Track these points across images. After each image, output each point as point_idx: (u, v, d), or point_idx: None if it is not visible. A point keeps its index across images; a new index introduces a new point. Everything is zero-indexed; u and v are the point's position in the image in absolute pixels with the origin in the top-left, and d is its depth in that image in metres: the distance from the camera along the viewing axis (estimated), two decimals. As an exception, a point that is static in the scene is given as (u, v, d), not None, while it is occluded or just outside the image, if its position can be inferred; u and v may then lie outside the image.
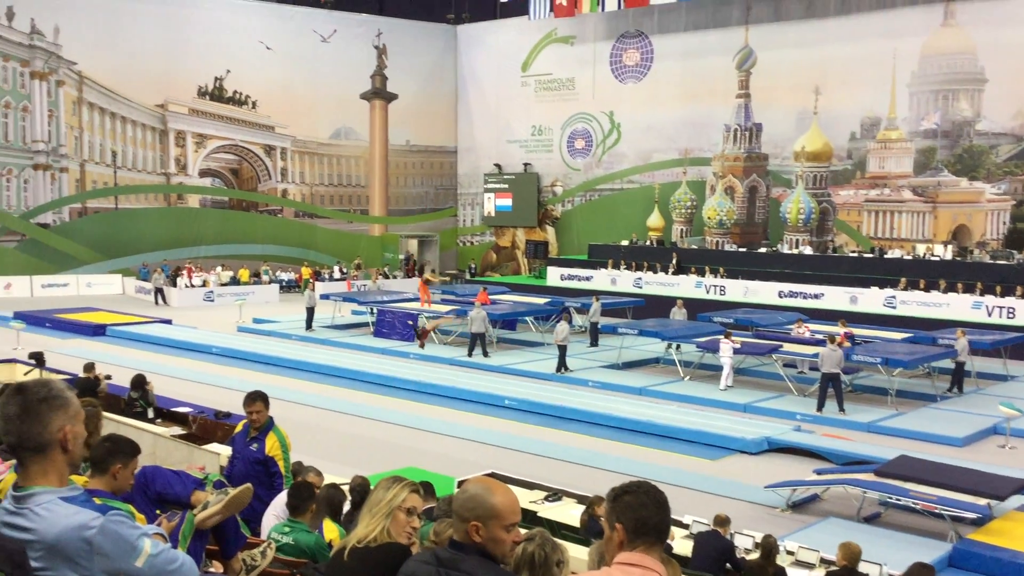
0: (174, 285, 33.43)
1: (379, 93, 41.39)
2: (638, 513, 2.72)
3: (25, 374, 15.10)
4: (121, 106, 35.94)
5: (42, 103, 34.49)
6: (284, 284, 36.75)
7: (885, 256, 29.04)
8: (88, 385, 12.22)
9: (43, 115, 34.52)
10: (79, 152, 35.35)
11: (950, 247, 28.43)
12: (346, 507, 7.01)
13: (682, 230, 35.08)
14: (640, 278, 31.36)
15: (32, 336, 23.35)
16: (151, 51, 35.73)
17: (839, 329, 21.03)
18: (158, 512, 4.10)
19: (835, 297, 27.39)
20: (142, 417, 12.74)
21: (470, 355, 22.86)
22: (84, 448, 2.63)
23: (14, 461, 4.84)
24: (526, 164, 40.37)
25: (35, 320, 26.25)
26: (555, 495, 11.23)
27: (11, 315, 26.05)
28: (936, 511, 11.27)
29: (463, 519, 2.82)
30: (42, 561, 2.33)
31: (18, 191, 34.22)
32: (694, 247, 33.46)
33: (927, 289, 25.89)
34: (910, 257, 28.66)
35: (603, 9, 34.61)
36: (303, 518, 5.50)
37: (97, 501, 2.53)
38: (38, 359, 15.59)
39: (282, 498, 6.05)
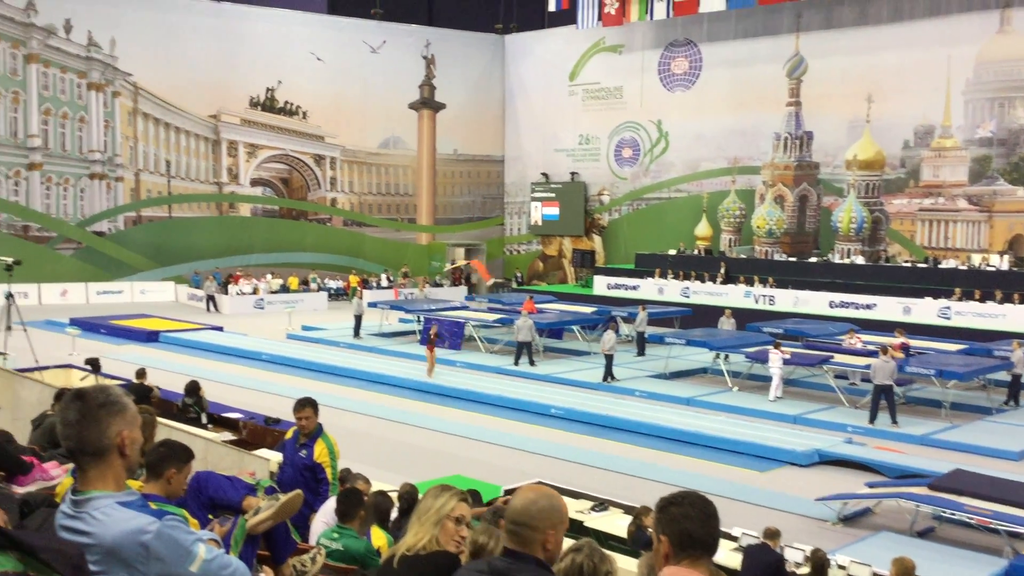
0: (225, 292, 33.91)
1: (427, 103, 41.67)
2: (683, 526, 2.68)
3: (81, 379, 15.38)
4: (175, 117, 36.62)
5: (99, 114, 35.25)
6: (332, 292, 37.10)
7: (939, 266, 28.50)
8: (141, 391, 12.44)
9: (99, 125, 35.28)
10: (134, 162, 36.06)
11: (1006, 257, 27.82)
12: (394, 514, 7.05)
13: (730, 239, 34.78)
14: (688, 287, 31.14)
15: (87, 342, 23.82)
16: (205, 63, 36.38)
17: (896, 339, 20.70)
18: (211, 517, 4.16)
19: (888, 308, 26.92)
20: (196, 423, 12.92)
21: (516, 364, 22.86)
22: (140, 453, 2.67)
23: (71, 465, 4.94)
24: (573, 173, 40.34)
25: (90, 326, 26.77)
26: (602, 505, 11.17)
27: (67, 321, 26.63)
28: (992, 526, 11.03)
29: (537, 529, 2.80)
30: (100, 564, 2.36)
31: (75, 200, 35.00)
32: (743, 256, 33.14)
33: (982, 300, 25.35)
34: (965, 267, 28.10)
35: (652, 17, 34.50)
36: (352, 524, 5.54)
37: (153, 506, 2.56)
38: (94, 365, 15.87)
39: (332, 504, 6.09)
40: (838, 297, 27.99)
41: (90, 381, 14.88)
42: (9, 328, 19.12)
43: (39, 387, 10.97)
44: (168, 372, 20.29)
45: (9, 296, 19.62)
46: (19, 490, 4.63)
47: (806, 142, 33.30)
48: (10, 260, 19.29)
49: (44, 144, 34.30)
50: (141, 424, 2.65)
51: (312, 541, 5.68)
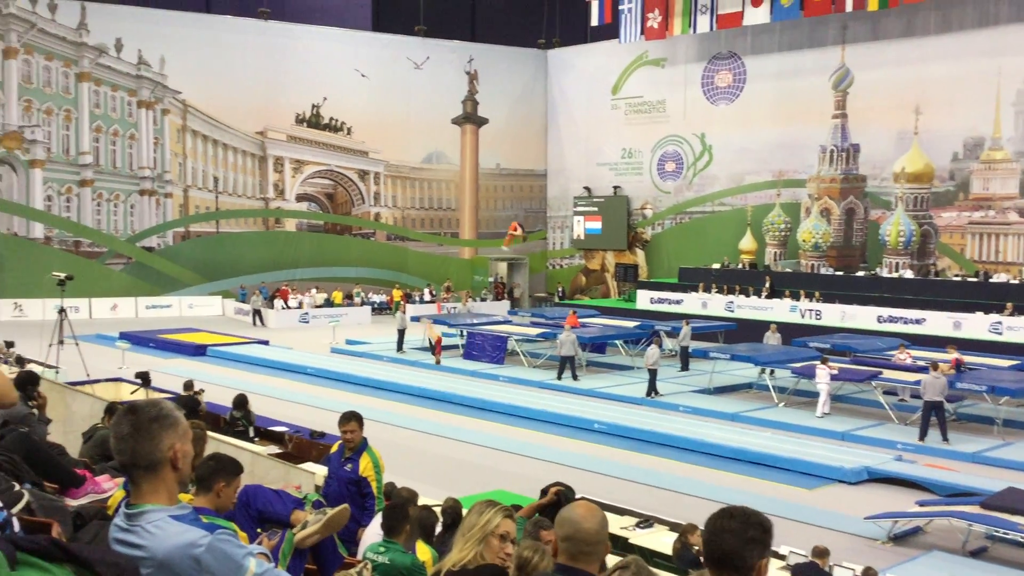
0: (271, 307, 34.29)
1: (470, 118, 41.89)
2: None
3: (131, 393, 15.63)
4: (223, 133, 37.20)
5: (148, 131, 35.94)
6: (376, 306, 37.34)
7: (990, 280, 27.98)
8: (190, 403, 12.59)
9: (149, 143, 35.96)
10: (183, 178, 36.67)
11: (1060, 271, 27.26)
12: (438, 529, 7.05)
13: (775, 253, 34.44)
14: (732, 302, 30.89)
15: (137, 356, 24.20)
16: (252, 80, 36.94)
17: (948, 355, 20.34)
18: (259, 530, 4.19)
19: (937, 322, 26.47)
20: (243, 436, 13.05)
21: (559, 378, 22.82)
22: (191, 467, 2.70)
23: (122, 478, 5.02)
24: (616, 187, 40.26)
25: (139, 340, 27.20)
26: (646, 522, 11.08)
27: (117, 335, 27.08)
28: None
29: (597, 543, 2.81)
30: (153, 578, 2.39)
31: (125, 216, 35.65)
32: (788, 270, 32.81)
33: (1036, 315, 24.85)
34: (1017, 281, 27.55)
35: (695, 31, 34.38)
36: (398, 539, 5.55)
37: (204, 520, 2.59)
38: (144, 379, 16.10)
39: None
40: (886, 312, 27.59)
41: (140, 394, 15.12)
42: (61, 342, 19.50)
43: (90, 400, 11.16)
44: (215, 385, 20.54)
45: (61, 311, 20.01)
46: (72, 503, 4.70)
47: (853, 155, 32.92)
48: (63, 275, 19.70)
49: (95, 161, 35.03)
50: (192, 438, 2.68)
51: (360, 555, 5.70)
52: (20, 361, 18.00)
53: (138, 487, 2.52)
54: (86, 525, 3.77)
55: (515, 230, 31.28)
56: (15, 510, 3.31)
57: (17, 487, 3.79)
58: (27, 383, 7.67)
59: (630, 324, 27.94)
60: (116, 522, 2.53)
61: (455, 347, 27.65)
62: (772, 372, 21.84)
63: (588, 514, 2.92)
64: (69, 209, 34.66)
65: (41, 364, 18.14)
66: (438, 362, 25.16)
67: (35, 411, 7.39)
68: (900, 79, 31.46)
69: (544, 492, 6.36)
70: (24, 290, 31.99)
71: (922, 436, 16.94)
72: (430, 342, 26.08)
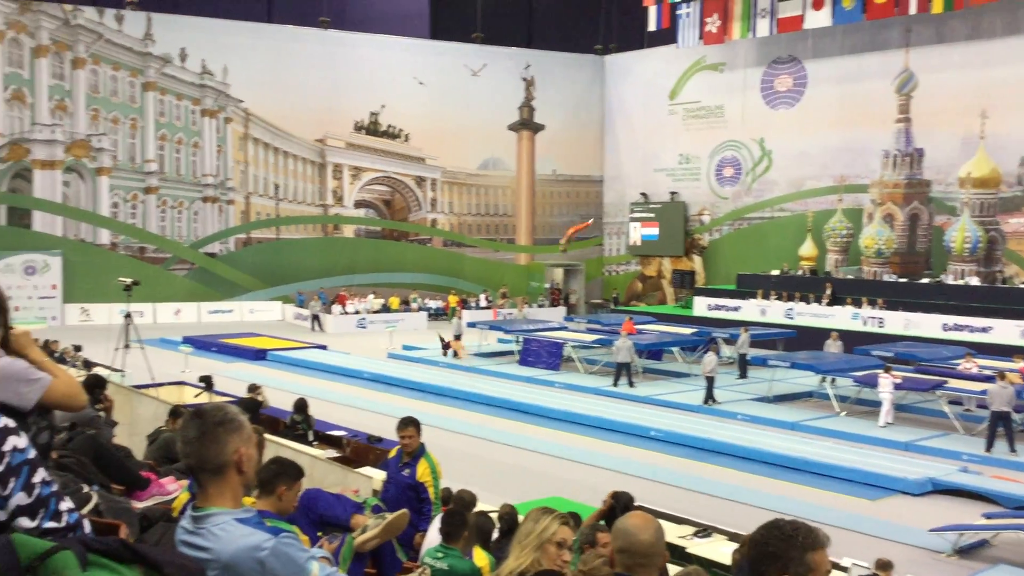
0: (329, 312, 34.68)
1: (527, 124, 41.96)
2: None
3: (195, 396, 15.94)
4: (283, 141, 37.77)
5: (211, 139, 36.64)
6: (432, 312, 37.54)
7: (1061, 288, 27.22)
8: (251, 405, 12.78)
9: (212, 150, 36.66)
10: (244, 185, 37.30)
11: None
12: (494, 535, 7.06)
13: (837, 259, 33.86)
14: (791, 309, 30.45)
15: (199, 360, 24.64)
16: (311, 88, 37.45)
17: (1015, 364, 19.82)
18: (319, 534, 4.23)
19: (1005, 331, 25.78)
20: (303, 440, 13.21)
21: (615, 385, 22.71)
22: (255, 470, 2.73)
23: (186, 480, 5.11)
24: (673, 193, 39.98)
25: (202, 344, 27.68)
26: (705, 531, 10.97)
27: (180, 339, 27.61)
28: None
29: (656, 554, 2.79)
30: (219, 580, 2.43)
31: (188, 222, 36.37)
32: (850, 277, 32.23)
33: (1109, 323, 24.09)
34: (1089, 289, 26.74)
35: (754, 35, 34.02)
36: (457, 545, 5.56)
37: (268, 523, 2.63)
38: (207, 382, 16.41)
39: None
40: (951, 320, 26.96)
41: (203, 398, 15.40)
42: (127, 346, 19.92)
43: (155, 403, 11.40)
44: (275, 389, 20.84)
45: (127, 315, 20.47)
46: (138, 505, 4.80)
47: (916, 159, 32.26)
48: (129, 281, 20.16)
49: (160, 168, 35.80)
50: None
51: (419, 560, 5.72)
52: (87, 364, 18.48)
53: (204, 490, 2.57)
54: (152, 527, 3.84)
55: (576, 232, 30.83)
56: (84, 511, 3.39)
57: (86, 489, 3.88)
58: (95, 386, 7.86)
59: (687, 331, 27.71)
60: (183, 524, 2.58)
61: (510, 353, 27.69)
62: (833, 381, 21.47)
63: (643, 525, 2.90)
64: (135, 216, 35.46)
65: (107, 367, 18.60)
66: (450, 353, 27.02)
67: (102, 414, 7.58)
68: (966, 82, 30.75)
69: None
70: (91, 295, 32.80)
71: (989, 447, 16.53)
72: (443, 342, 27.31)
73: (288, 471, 4.10)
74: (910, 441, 17.43)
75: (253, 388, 15.00)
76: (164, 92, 35.74)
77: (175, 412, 8.73)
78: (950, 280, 29.58)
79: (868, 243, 32.34)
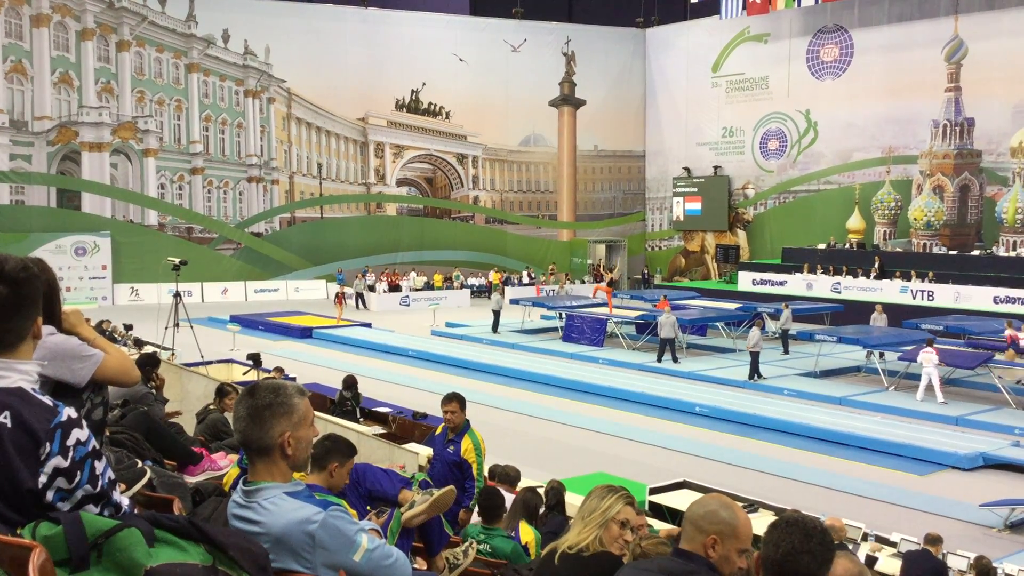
0: (373, 290, 34.90)
1: (568, 99, 41.72)
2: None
3: (244, 373, 16.16)
4: (326, 120, 37.96)
5: (255, 120, 36.92)
6: (475, 289, 37.63)
7: (1118, 259, 26.56)
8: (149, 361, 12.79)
9: (256, 131, 36.95)
10: (288, 165, 37.58)
11: None
12: (541, 510, 7.07)
13: (885, 232, 33.33)
14: (838, 283, 30.06)
15: (246, 338, 24.95)
16: (353, 67, 37.56)
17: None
18: (368, 508, 4.27)
19: (1059, 303, 25.27)
20: (351, 416, 13.35)
21: (659, 360, 22.63)
22: (308, 450, 2.70)
23: (236, 456, 5.18)
24: (716, 167, 39.58)
25: (249, 323, 28.05)
26: (751, 507, 10.90)
27: (228, 318, 28.00)
28: None
29: (702, 531, 2.77)
30: (270, 553, 2.46)
31: (234, 202, 36.76)
32: (898, 250, 31.72)
33: None
34: None
35: (799, 4, 33.47)
36: (499, 524, 5.58)
37: (317, 497, 2.65)
38: (255, 360, 16.63)
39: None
40: (1003, 292, 26.45)
41: (252, 375, 15.63)
42: (177, 325, 20.25)
43: (204, 380, 11.59)
44: (320, 367, 21.07)
45: (177, 295, 20.79)
46: (190, 479, 4.88)
47: (967, 129, 31.57)
48: (177, 260, 20.45)
49: (205, 149, 36.18)
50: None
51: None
52: (138, 343, 18.79)
53: (254, 466, 2.59)
54: (204, 501, 3.90)
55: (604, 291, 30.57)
56: (138, 486, 3.45)
57: (140, 464, 3.95)
58: (147, 364, 8.00)
59: (731, 306, 27.48)
60: (234, 498, 2.61)
61: (554, 329, 27.69)
62: (881, 355, 21.18)
63: (709, 502, 2.87)
64: (181, 196, 35.91)
65: (157, 346, 18.90)
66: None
67: (153, 391, 7.72)
68: (1017, 49, 29.99)
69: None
70: (140, 275, 33.34)
71: (1043, 422, 16.23)
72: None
73: (342, 449, 4.14)
74: (961, 415, 17.17)
75: (253, 357, 15.23)
76: (208, 73, 36.04)
77: (221, 390, 8.85)
78: (1001, 252, 29.01)
79: (917, 215, 31.80)
